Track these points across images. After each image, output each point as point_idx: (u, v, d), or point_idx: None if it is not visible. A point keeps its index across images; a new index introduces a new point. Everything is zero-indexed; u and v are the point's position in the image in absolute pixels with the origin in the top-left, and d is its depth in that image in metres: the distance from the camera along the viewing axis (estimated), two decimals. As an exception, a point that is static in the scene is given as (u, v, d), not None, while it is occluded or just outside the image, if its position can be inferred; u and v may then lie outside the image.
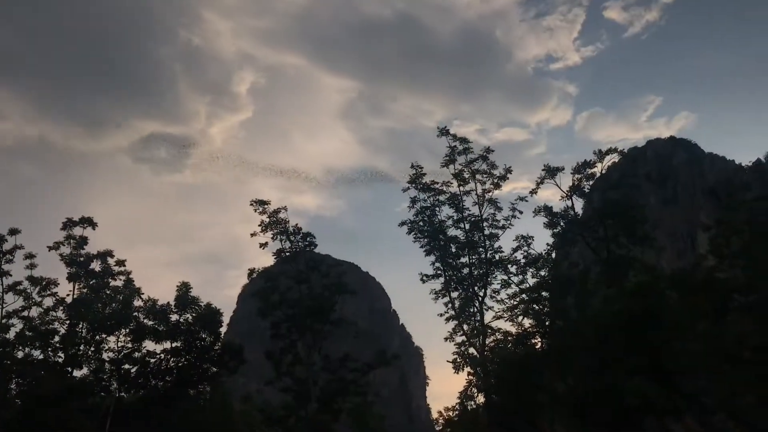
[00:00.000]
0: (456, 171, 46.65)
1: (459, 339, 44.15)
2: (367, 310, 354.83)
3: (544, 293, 42.84)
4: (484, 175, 46.64)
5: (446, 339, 43.22)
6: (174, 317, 41.08)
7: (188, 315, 40.15)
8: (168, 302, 40.78)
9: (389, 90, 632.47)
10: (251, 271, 43.04)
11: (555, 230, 44.02)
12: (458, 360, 42.29)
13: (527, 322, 43.02)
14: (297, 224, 45.15)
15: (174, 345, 40.48)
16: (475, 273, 45.76)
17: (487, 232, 46.38)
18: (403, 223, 46.53)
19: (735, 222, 43.34)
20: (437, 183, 46.69)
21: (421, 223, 46.73)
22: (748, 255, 41.77)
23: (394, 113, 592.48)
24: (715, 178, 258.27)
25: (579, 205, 44.71)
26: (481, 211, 46.54)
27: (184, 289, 40.48)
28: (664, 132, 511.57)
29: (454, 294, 46.36)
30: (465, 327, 44.75)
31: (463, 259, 46.09)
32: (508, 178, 46.04)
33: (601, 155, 44.19)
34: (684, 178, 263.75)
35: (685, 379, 36.60)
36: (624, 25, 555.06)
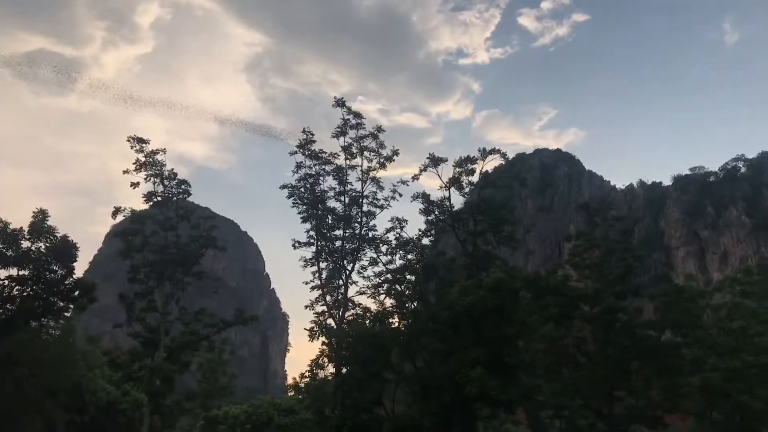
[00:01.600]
0: (345, 144, 46.78)
1: (320, 309, 44.63)
2: (240, 269, 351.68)
3: (408, 276, 43.92)
4: (372, 153, 47.05)
5: (306, 307, 43.72)
6: (26, 244, 38.58)
7: (41, 244, 37.87)
8: (21, 227, 38.28)
9: (298, 52, 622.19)
10: (116, 210, 41.23)
11: (429, 218, 45.22)
12: (315, 329, 42.68)
13: (389, 302, 43.93)
14: (172, 169, 43.66)
15: (21, 273, 38.10)
16: (347, 247, 46.27)
17: (365, 208, 46.97)
18: (284, 187, 46.17)
19: (593, 237, 46.30)
20: (325, 153, 46.63)
21: (302, 190, 46.54)
22: (599, 268, 44.90)
23: (300, 77, 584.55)
24: (590, 194, 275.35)
25: (456, 197, 46.12)
26: (362, 188, 47.05)
27: (40, 216, 38.13)
28: (552, 143, 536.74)
29: (323, 264, 46.70)
30: (328, 298, 45.24)
31: (338, 232, 46.47)
32: (394, 160, 46.75)
33: (484, 153, 45.61)
34: (562, 189, 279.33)
35: (523, 374, 38.89)
36: (535, 35, 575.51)
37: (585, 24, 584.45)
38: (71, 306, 39.40)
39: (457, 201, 46.83)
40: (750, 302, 42.75)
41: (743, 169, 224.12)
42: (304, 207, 45.99)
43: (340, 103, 46.08)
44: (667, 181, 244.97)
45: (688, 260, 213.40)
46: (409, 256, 43.81)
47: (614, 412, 42.35)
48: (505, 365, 36.88)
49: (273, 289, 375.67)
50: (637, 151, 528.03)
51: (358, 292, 44.91)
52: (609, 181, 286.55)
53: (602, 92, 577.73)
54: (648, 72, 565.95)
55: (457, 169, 45.38)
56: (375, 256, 45.48)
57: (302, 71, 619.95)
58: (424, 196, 45.05)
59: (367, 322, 42.86)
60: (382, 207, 46.87)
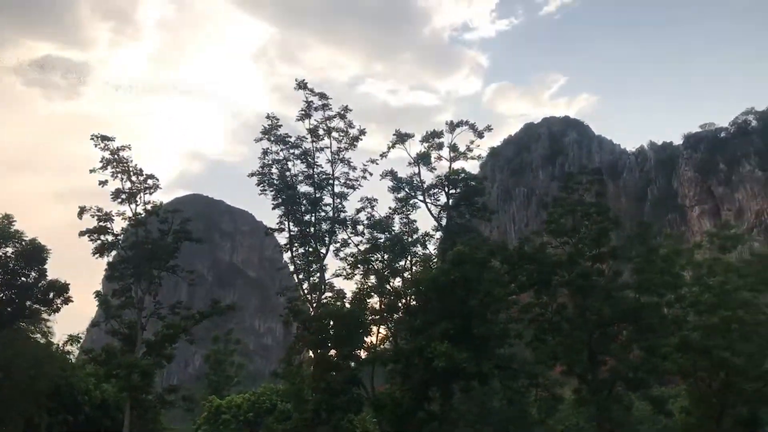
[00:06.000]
0: (311, 126, 46.45)
1: (294, 294, 44.57)
2: (257, 259, 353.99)
3: (384, 254, 43.68)
4: (341, 133, 46.69)
5: (278, 294, 43.75)
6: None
7: (8, 249, 38.26)
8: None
9: (304, 38, 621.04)
10: (81, 210, 41.29)
11: (398, 195, 44.90)
12: (289, 314, 42.66)
13: (369, 282, 43.69)
14: (137, 164, 43.60)
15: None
16: (320, 230, 46.14)
17: (337, 190, 46.76)
18: (252, 174, 46.03)
19: (568, 201, 45.62)
20: (290, 137, 46.36)
21: (272, 176, 46.37)
22: (576, 233, 44.29)
23: (307, 63, 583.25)
24: (600, 159, 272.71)
25: (425, 172, 45.59)
26: (333, 169, 46.76)
27: (5, 221, 38.49)
28: (564, 111, 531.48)
29: (300, 250, 46.61)
30: (304, 283, 45.24)
31: (310, 216, 46.26)
32: (361, 139, 46.33)
33: (452, 126, 45.11)
34: (572, 156, 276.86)
35: (495, 345, 38.68)
36: (540, 3, 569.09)
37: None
38: (46, 308, 39.74)
39: (428, 177, 46.36)
40: (728, 257, 42.04)
41: (754, 123, 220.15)
42: (274, 193, 45.79)
43: (301, 85, 45.70)
44: (678, 141, 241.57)
45: (704, 218, 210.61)
46: (381, 235, 43.46)
47: (598, 376, 42.07)
48: (474, 337, 36.72)
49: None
50: (647, 113, 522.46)
51: (333, 274, 44.86)
52: (619, 145, 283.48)
53: (610, 56, 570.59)
54: (655, 31, 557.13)
55: (425, 144, 44.94)
56: (346, 237, 45.36)
57: (308, 57, 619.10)
58: (392, 174, 44.72)
59: (345, 302, 42.81)
60: (353, 187, 46.63)
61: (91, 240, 41.53)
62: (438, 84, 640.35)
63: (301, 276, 45.51)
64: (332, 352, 40.45)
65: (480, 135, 45.01)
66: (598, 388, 41.46)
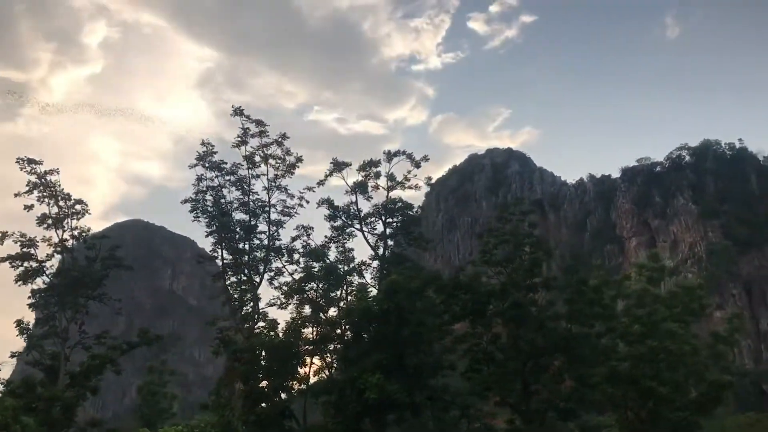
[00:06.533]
0: (248, 153, 45.95)
1: (225, 324, 43.59)
2: (198, 287, 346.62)
3: (319, 283, 43.20)
4: (278, 161, 46.32)
5: (207, 323, 42.75)
6: None
7: None
8: None
9: (251, 65, 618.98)
10: (3, 235, 39.67)
11: (334, 224, 44.68)
12: (220, 345, 41.62)
13: (304, 311, 43.05)
14: (63, 188, 42.20)
15: None
16: (255, 258, 45.44)
17: (273, 217, 46.23)
18: (185, 201, 45.12)
19: (502, 231, 46.13)
20: (226, 163, 45.72)
21: (206, 203, 45.56)
22: (510, 263, 44.73)
23: (254, 89, 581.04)
24: (542, 190, 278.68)
25: (362, 201, 45.53)
26: (269, 197, 46.27)
27: None
28: (508, 143, 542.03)
29: (234, 278, 45.77)
30: (236, 312, 44.32)
31: (244, 244, 45.53)
32: (298, 167, 46.09)
33: (389, 156, 45.27)
34: (515, 187, 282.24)
35: (429, 375, 38.51)
36: (485, 38, 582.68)
37: (532, 25, 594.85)
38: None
39: (365, 205, 46.29)
40: (656, 288, 43.06)
41: (687, 158, 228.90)
42: (208, 220, 44.95)
43: (238, 111, 45.24)
44: (616, 174, 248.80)
45: (640, 249, 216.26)
46: (316, 264, 43.02)
47: (530, 406, 42.27)
48: (407, 367, 36.50)
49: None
50: (587, 146, 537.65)
51: (268, 303, 44.13)
52: (560, 177, 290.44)
53: (553, 91, 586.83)
54: (594, 68, 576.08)
55: (362, 173, 44.95)
56: (281, 265, 44.75)
57: (256, 84, 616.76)
58: (328, 202, 44.50)
59: (279, 333, 42.06)
60: (290, 215, 46.20)
61: (13, 267, 39.85)
62: (386, 114, 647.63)
63: (234, 305, 44.56)
64: (264, 383, 39.55)
65: (417, 165, 45.33)
66: (531, 418, 41.68)
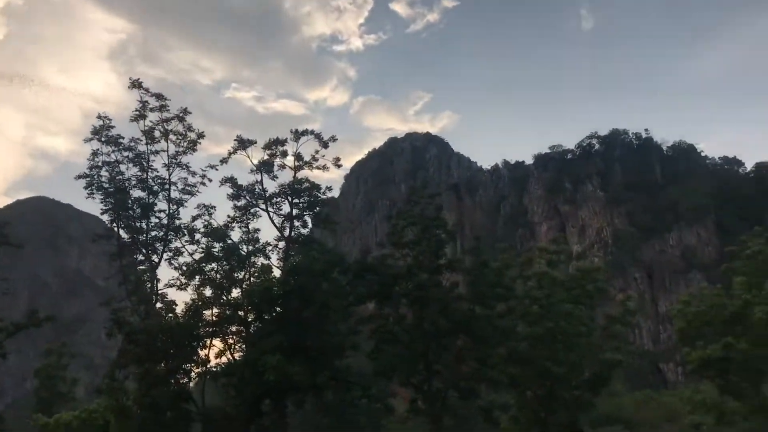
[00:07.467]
0: (147, 128, 44.03)
1: (120, 304, 41.87)
2: (107, 267, 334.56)
3: (221, 264, 42.06)
4: (179, 137, 44.65)
5: (101, 304, 41.01)
6: None
7: None
8: None
9: (166, 38, 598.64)
10: None
11: (238, 203, 43.54)
12: (114, 327, 39.92)
13: (205, 292, 41.80)
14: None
15: None
16: (153, 237, 43.83)
17: (174, 196, 44.63)
18: (79, 177, 42.84)
19: (410, 214, 46.29)
20: (123, 138, 43.68)
21: (103, 179, 43.47)
22: (417, 245, 44.94)
23: (169, 64, 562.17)
24: (458, 175, 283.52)
25: (268, 180, 44.55)
26: (169, 174, 44.59)
27: None
28: (428, 128, 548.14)
29: (130, 258, 44.02)
30: (133, 293, 42.66)
31: (141, 223, 43.78)
32: (200, 143, 44.57)
33: (297, 135, 44.41)
34: (433, 172, 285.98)
35: (332, 357, 38.30)
36: (407, 21, 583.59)
37: (453, 10, 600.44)
38: None
39: (271, 185, 45.29)
40: (556, 271, 44.21)
41: (597, 146, 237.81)
42: (104, 197, 42.93)
43: (136, 84, 43.23)
44: (529, 161, 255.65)
45: (550, 234, 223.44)
46: (218, 244, 41.81)
47: (432, 387, 42.80)
48: (309, 349, 36.15)
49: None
50: (503, 133, 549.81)
51: (166, 284, 42.67)
52: (476, 162, 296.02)
53: (472, 76, 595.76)
54: (512, 56, 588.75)
55: (268, 152, 43.94)
56: (180, 245, 43.34)
57: (171, 58, 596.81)
58: (232, 180, 43.28)
59: (177, 314, 40.78)
60: (192, 193, 44.72)
61: None
62: (306, 93, 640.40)
63: (130, 285, 42.86)
64: (161, 366, 38.30)
65: (325, 145, 44.63)
66: (432, 398, 42.25)
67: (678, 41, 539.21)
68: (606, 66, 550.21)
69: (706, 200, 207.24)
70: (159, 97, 43.86)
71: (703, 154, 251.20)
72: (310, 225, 45.52)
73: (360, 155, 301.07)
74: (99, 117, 43.05)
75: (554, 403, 41.89)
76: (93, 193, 42.65)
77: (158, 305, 41.63)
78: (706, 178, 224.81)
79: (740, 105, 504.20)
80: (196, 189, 44.39)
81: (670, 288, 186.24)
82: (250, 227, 43.42)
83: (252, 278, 41.01)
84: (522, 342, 41.64)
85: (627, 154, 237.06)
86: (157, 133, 44.00)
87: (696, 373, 44.28)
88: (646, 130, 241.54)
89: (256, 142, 43.87)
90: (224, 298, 40.52)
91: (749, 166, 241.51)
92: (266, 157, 43.99)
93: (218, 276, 41.37)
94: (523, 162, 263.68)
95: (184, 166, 44.46)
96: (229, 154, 43.93)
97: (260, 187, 44.10)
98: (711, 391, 43.16)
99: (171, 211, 44.09)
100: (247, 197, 43.79)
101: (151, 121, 43.76)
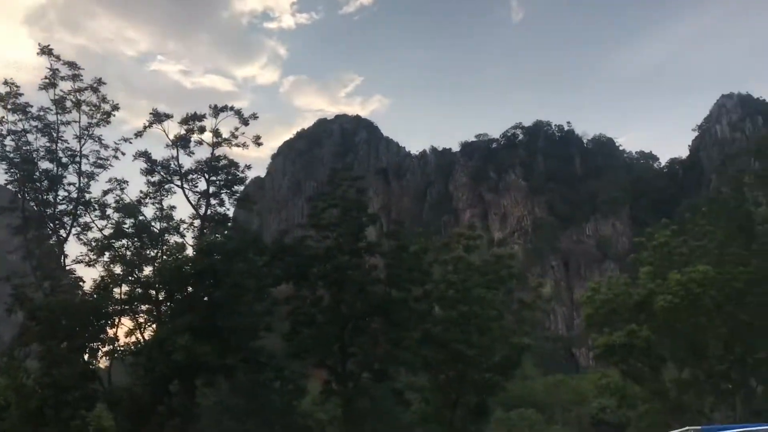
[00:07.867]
0: (57, 97, 42.04)
1: (23, 280, 40.06)
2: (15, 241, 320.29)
3: (132, 241, 40.80)
4: (92, 108, 42.84)
5: (2, 279, 39.13)
6: None
7: None
8: None
9: (88, 5, 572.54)
10: None
11: (152, 179, 42.24)
12: (14, 303, 38.18)
13: (116, 269, 40.42)
14: None
15: None
16: (61, 211, 42.07)
17: (85, 169, 42.88)
18: (-18, 147, 40.55)
19: (331, 196, 46.16)
20: (32, 106, 41.57)
21: (8, 149, 41.31)
22: (337, 227, 44.87)
23: (91, 32, 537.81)
24: (387, 160, 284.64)
25: (184, 157, 43.37)
26: (80, 146, 42.78)
27: None
28: (358, 110, 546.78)
29: (36, 232, 42.14)
30: (37, 269, 40.87)
31: (48, 195, 41.89)
32: (114, 115, 42.95)
33: (216, 111, 43.37)
34: (362, 155, 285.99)
35: (246, 338, 37.88)
36: (340, 2, 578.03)
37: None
38: None
39: (188, 162, 44.09)
40: (470, 257, 45.00)
41: (521, 136, 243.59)
42: (8, 168, 40.86)
43: (46, 50, 41.14)
44: (456, 148, 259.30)
45: (474, 221, 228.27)
46: (130, 220, 40.51)
47: (347, 368, 43.04)
48: (220, 330, 35.62)
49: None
50: (432, 119, 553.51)
51: (74, 260, 41.08)
52: (405, 148, 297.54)
53: (403, 61, 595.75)
54: (443, 44, 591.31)
55: (185, 127, 42.75)
56: (90, 220, 41.75)
57: (93, 26, 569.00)
58: (146, 155, 41.91)
59: (86, 292, 39.41)
60: (104, 167, 43.07)
61: None
62: (235, 70, 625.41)
63: (34, 261, 41.05)
64: (65, 344, 36.92)
65: (245, 122, 43.73)
66: (346, 379, 42.51)
67: (602, 39, 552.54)
68: (532, 58, 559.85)
69: (622, 193, 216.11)
70: (72, 65, 41.91)
71: (621, 148, 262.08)
72: (227, 204, 44.51)
73: (289, 135, 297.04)
74: (6, 83, 40.80)
75: (465, 385, 42.78)
76: (-7, 164, 40.49)
77: (64, 282, 40.03)
78: (623, 172, 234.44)
79: (658, 102, 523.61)
80: (109, 163, 42.74)
81: (585, 276, 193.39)
82: (164, 204, 42.23)
83: (164, 256, 39.99)
84: (437, 325, 42.26)
85: (549, 145, 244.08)
86: (68, 104, 42.02)
87: (601, 358, 46.36)
88: (568, 122, 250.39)
89: (172, 116, 42.56)
90: (135, 276, 39.43)
91: (663, 161, 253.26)
92: (183, 132, 42.75)
93: (129, 253, 40.20)
94: (450, 149, 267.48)
95: (97, 139, 42.72)
96: (145, 127, 42.50)
97: (176, 163, 42.91)
98: (615, 375, 45.22)
99: (81, 184, 42.31)
100: (162, 173, 42.51)
101: (62, 91, 41.77)
